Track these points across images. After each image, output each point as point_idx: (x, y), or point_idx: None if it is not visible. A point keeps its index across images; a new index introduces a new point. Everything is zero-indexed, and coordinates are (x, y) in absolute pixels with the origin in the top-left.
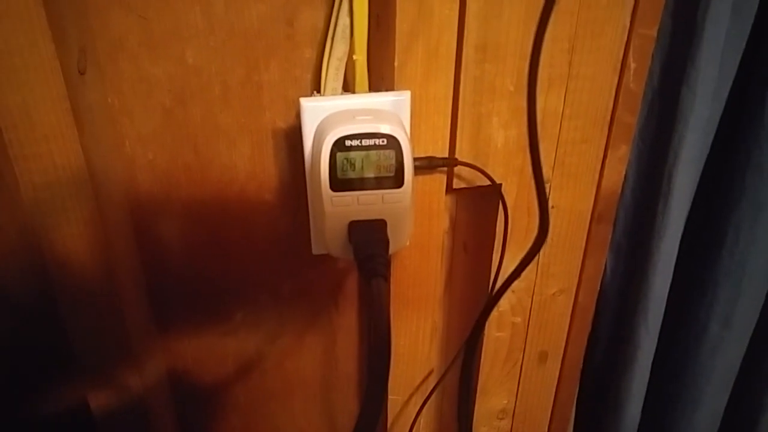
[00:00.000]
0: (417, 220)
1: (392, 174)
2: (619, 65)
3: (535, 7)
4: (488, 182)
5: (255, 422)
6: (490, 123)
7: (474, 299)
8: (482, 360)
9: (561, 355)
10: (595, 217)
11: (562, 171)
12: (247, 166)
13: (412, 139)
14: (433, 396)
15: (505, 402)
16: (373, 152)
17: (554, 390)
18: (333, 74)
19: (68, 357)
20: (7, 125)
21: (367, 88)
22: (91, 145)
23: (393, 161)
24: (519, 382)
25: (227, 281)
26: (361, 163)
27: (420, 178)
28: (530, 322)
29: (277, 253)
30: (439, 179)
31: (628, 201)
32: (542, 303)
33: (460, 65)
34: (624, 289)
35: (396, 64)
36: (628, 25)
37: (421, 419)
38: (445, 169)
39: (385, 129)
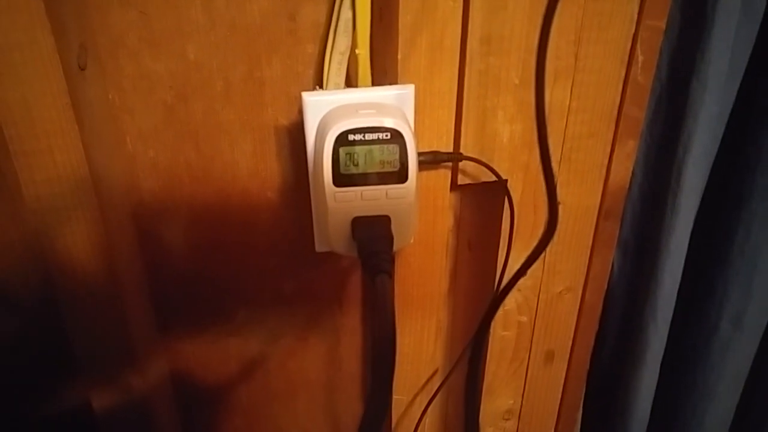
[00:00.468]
0: (421, 216)
1: (396, 169)
2: (626, 58)
3: None
4: (493, 178)
5: (258, 423)
6: (496, 117)
7: (479, 297)
8: (488, 359)
9: (568, 355)
10: (602, 214)
11: (568, 166)
12: (249, 164)
13: (416, 133)
14: (437, 396)
15: (511, 402)
16: (376, 147)
17: (561, 390)
18: (335, 69)
19: (71, 358)
20: (7, 121)
21: (370, 83)
22: (91, 141)
23: (397, 156)
24: (525, 382)
25: (229, 280)
26: (365, 158)
27: (424, 173)
28: (536, 321)
29: (280, 251)
30: (444, 175)
31: (635, 197)
32: (549, 301)
33: (465, 58)
34: (632, 287)
35: (399, 57)
36: (635, 16)
37: (426, 419)
38: (450, 164)
39: (388, 123)
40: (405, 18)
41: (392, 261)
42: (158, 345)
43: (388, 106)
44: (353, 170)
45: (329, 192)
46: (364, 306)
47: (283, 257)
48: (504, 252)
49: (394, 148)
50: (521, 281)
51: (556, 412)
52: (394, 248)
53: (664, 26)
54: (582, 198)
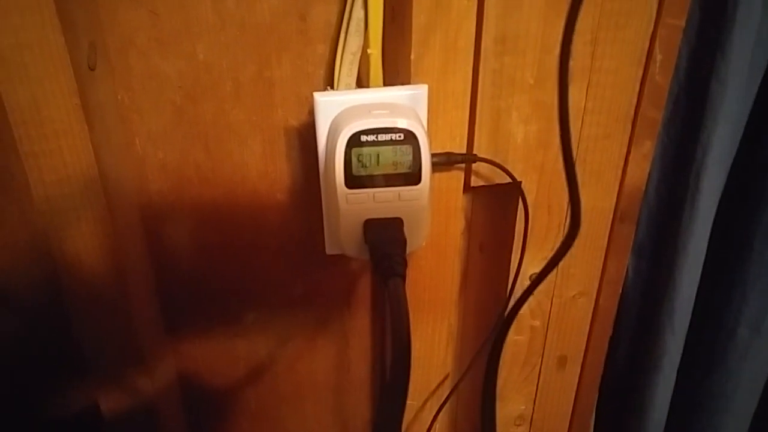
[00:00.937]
0: (433, 219)
1: (409, 170)
2: (644, 57)
3: None
4: (507, 180)
5: (266, 426)
6: (510, 118)
7: (490, 301)
8: (499, 364)
9: (581, 360)
10: (617, 216)
11: (583, 168)
12: (258, 165)
13: (429, 134)
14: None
15: (523, 408)
16: (389, 148)
17: (573, 395)
18: (347, 69)
19: (78, 359)
20: (17, 121)
21: (381, 84)
22: (101, 142)
23: (410, 157)
24: (537, 387)
25: (238, 282)
26: (377, 159)
27: (437, 175)
28: (549, 326)
29: (289, 253)
30: (457, 176)
31: (651, 199)
32: (562, 306)
33: (479, 58)
34: (648, 291)
35: (412, 57)
36: (654, 15)
37: (437, 425)
38: (463, 166)
39: (402, 124)
40: (418, 18)
41: (405, 264)
42: (166, 347)
43: (402, 106)
44: (366, 172)
45: (341, 194)
46: (373, 309)
47: (292, 259)
48: (517, 255)
49: (408, 149)
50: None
51: (569, 418)
52: (407, 251)
53: (683, 24)
54: (597, 200)
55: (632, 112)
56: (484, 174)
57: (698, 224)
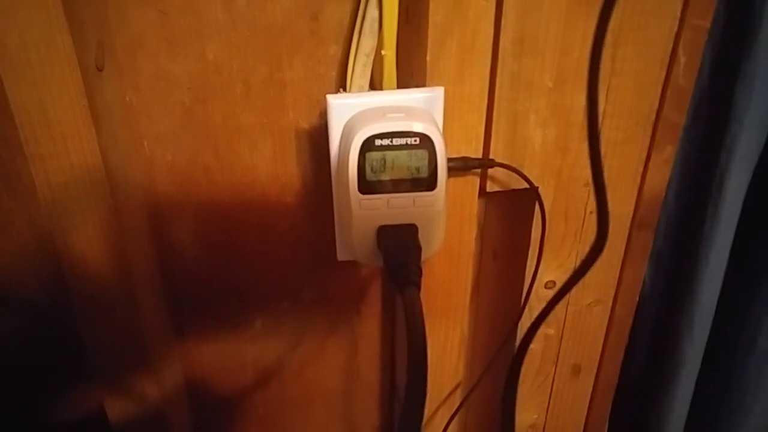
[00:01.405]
0: (447, 225)
1: (425, 176)
2: (667, 59)
3: None
4: (523, 185)
5: None
6: (527, 122)
7: (503, 309)
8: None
9: (595, 369)
10: (635, 223)
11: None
12: (269, 168)
13: (444, 138)
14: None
15: (535, 417)
16: (404, 152)
17: (587, 405)
18: (360, 71)
19: (85, 362)
20: (23, 122)
21: (395, 86)
22: (108, 144)
23: (426, 162)
24: (550, 397)
25: (247, 287)
26: (392, 164)
27: (451, 180)
28: (564, 334)
29: (299, 258)
30: (472, 182)
31: (671, 206)
32: (577, 314)
33: (497, 60)
34: (666, 300)
35: (428, 59)
36: (679, 15)
37: None
38: (479, 171)
39: (418, 127)
40: (435, 17)
41: (420, 272)
42: (173, 351)
43: (417, 109)
44: (379, 177)
45: (354, 199)
46: (383, 314)
47: (302, 264)
48: (533, 262)
49: (423, 153)
50: (549, 292)
51: (582, 429)
52: (422, 258)
53: (709, 25)
54: (615, 206)
55: (653, 116)
56: (500, 179)
57: (720, 232)
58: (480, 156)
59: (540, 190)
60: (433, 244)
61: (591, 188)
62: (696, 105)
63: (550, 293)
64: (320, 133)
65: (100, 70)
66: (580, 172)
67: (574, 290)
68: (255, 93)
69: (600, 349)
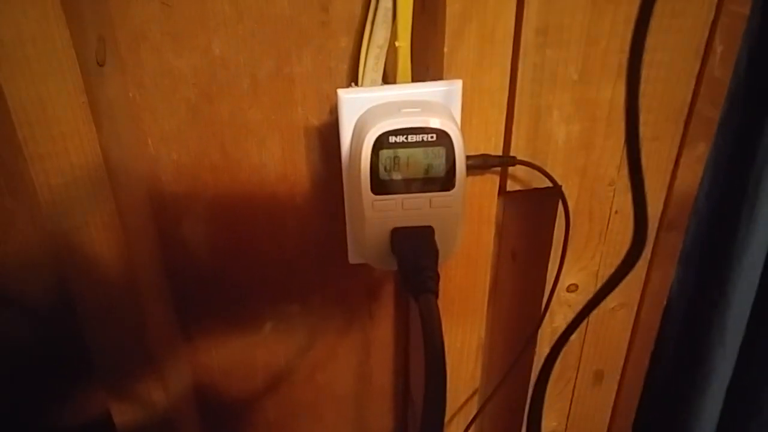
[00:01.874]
0: (465, 226)
1: (442, 175)
2: (702, 49)
3: None
4: (545, 184)
5: None
6: (551, 117)
7: (522, 313)
8: (531, 379)
9: (619, 375)
10: (664, 224)
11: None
12: (277, 167)
13: (463, 134)
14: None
15: (555, 424)
16: (420, 150)
17: (610, 413)
18: (372, 64)
19: (90, 367)
20: (21, 121)
21: (410, 80)
22: (110, 143)
23: (443, 160)
24: (571, 404)
25: (256, 289)
26: (407, 163)
27: (469, 179)
28: (586, 339)
29: (309, 260)
30: (491, 180)
31: (702, 206)
32: (600, 318)
33: (518, 51)
34: (696, 305)
35: (445, 50)
36: (715, 1)
37: None
38: (498, 169)
39: (435, 123)
40: (453, 6)
41: (438, 278)
42: (181, 356)
43: (434, 104)
44: (394, 176)
45: (366, 200)
46: (396, 317)
47: (313, 266)
48: (555, 264)
49: (440, 151)
50: (571, 296)
51: None
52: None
53: (747, 12)
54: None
55: (686, 111)
56: (521, 177)
57: (756, 234)
58: (500, 153)
59: (563, 188)
60: (450, 247)
61: (616, 187)
62: (730, 99)
63: (573, 297)
64: (331, 131)
65: (101, 65)
66: (605, 171)
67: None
68: (263, 88)
69: (624, 354)
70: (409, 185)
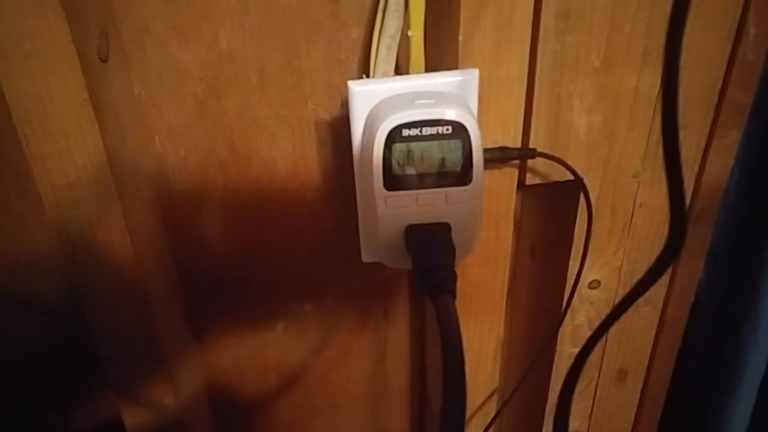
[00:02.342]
0: (483, 222)
1: (458, 169)
2: (734, 31)
3: None
4: (566, 177)
5: None
6: (571, 107)
7: (543, 310)
8: (552, 378)
9: (643, 374)
10: (692, 217)
11: (653, 163)
12: (288, 163)
13: (480, 126)
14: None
15: (578, 424)
16: (435, 143)
17: (634, 413)
18: (384, 55)
19: (99, 369)
20: (21, 120)
21: (423, 70)
22: (115, 141)
23: (459, 154)
24: (593, 403)
25: (268, 289)
26: (421, 157)
27: (487, 172)
28: (608, 337)
29: (321, 258)
30: (510, 174)
31: (732, 198)
32: (624, 315)
33: (537, 38)
34: (725, 302)
35: (461, 38)
36: None
37: None
38: (517, 162)
39: (450, 115)
40: None
41: (455, 278)
42: (192, 357)
43: (449, 95)
44: (407, 171)
45: (379, 196)
46: (411, 316)
47: (325, 265)
48: (576, 260)
49: (457, 144)
50: (593, 293)
51: None
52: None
53: None
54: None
55: (716, 97)
56: (541, 170)
57: None
58: (519, 146)
59: (585, 181)
60: (468, 244)
61: (641, 180)
62: (763, 85)
63: (595, 294)
64: (342, 125)
65: (104, 60)
66: (628, 162)
67: (620, 290)
68: (271, 82)
69: (649, 353)
70: (423, 180)
